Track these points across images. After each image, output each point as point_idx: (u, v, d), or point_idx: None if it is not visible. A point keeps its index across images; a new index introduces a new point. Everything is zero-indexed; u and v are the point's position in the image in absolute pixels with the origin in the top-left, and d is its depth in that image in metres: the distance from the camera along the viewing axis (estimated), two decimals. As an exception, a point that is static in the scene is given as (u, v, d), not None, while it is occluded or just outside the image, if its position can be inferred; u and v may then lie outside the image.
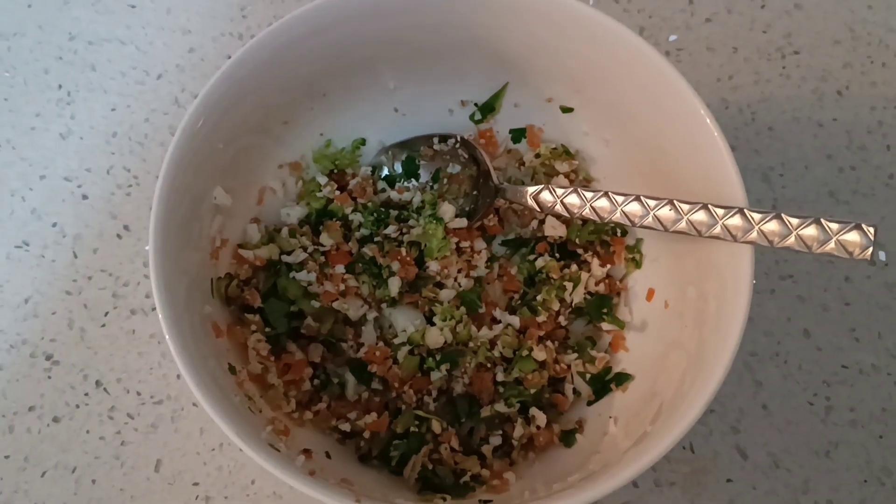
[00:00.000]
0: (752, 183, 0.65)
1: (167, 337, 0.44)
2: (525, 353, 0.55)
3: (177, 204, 0.48)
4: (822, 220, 0.43)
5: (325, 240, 0.57)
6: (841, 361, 0.60)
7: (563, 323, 0.57)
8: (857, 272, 0.62)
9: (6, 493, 0.57)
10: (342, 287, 0.56)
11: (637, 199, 0.49)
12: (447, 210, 0.58)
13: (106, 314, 0.61)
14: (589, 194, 0.52)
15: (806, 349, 0.61)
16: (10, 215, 0.64)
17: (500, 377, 0.55)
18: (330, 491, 0.42)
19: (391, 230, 0.58)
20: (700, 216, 0.47)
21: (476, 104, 0.61)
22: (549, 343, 0.56)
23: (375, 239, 0.58)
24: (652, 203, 0.49)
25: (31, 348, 0.60)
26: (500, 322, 0.56)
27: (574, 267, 0.58)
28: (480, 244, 0.59)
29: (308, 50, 0.52)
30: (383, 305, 0.57)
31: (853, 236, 0.42)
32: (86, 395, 0.59)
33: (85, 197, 0.65)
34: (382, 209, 0.59)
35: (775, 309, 0.62)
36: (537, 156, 0.60)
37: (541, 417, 0.54)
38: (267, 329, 0.54)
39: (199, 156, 0.49)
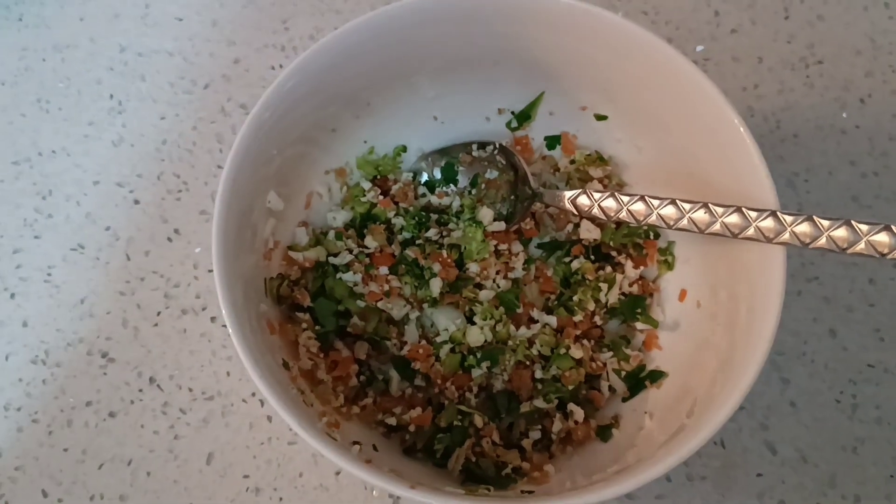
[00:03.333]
0: (778, 188, 0.65)
1: (231, 331, 0.46)
2: (562, 351, 0.57)
3: (235, 206, 0.50)
4: (853, 222, 0.45)
5: (370, 242, 0.59)
6: (866, 361, 0.62)
7: (599, 322, 0.59)
8: (880, 274, 0.64)
9: (65, 484, 0.60)
10: (386, 287, 0.58)
11: (672, 202, 0.52)
12: (486, 214, 0.60)
13: (158, 314, 0.64)
14: (625, 198, 0.54)
15: (832, 349, 0.63)
16: (66, 219, 0.67)
17: (538, 374, 0.57)
18: (387, 478, 0.44)
19: (432, 233, 0.60)
20: (734, 219, 0.49)
21: (512, 112, 0.64)
22: (585, 342, 0.58)
23: (417, 242, 0.60)
24: (687, 206, 0.51)
25: (87, 346, 0.63)
26: (537, 321, 0.59)
27: (608, 269, 0.60)
28: (517, 247, 0.61)
29: (356, 61, 0.55)
30: (425, 305, 0.59)
31: (883, 237, 0.44)
32: (140, 391, 0.62)
33: (137, 202, 0.67)
34: (423, 213, 0.61)
35: (802, 310, 0.64)
36: (572, 162, 0.63)
37: (578, 413, 0.56)
38: (316, 327, 0.56)
39: (256, 161, 0.52)
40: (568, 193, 0.57)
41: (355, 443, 0.51)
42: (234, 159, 0.50)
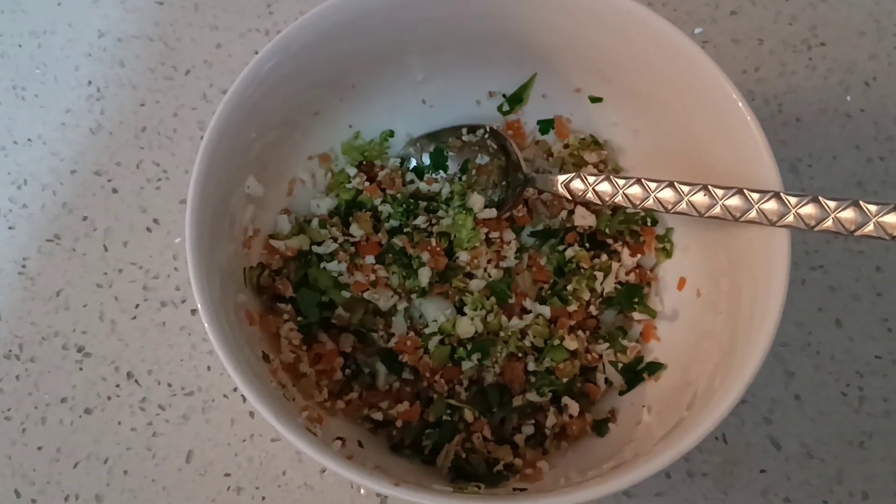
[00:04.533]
0: (781, 174, 0.64)
1: (205, 323, 0.44)
2: (556, 342, 0.55)
3: (212, 192, 0.48)
4: (861, 202, 0.43)
5: (355, 230, 0.57)
6: (874, 351, 0.60)
7: (594, 312, 0.57)
8: (888, 262, 0.62)
9: (39, 483, 0.57)
10: (372, 277, 0.56)
11: (670, 185, 0.49)
12: (476, 201, 0.58)
13: (136, 307, 0.62)
14: (621, 181, 0.52)
15: (838, 339, 0.60)
16: (42, 209, 0.64)
17: (531, 367, 0.55)
18: (369, 475, 0.42)
19: (420, 221, 0.58)
20: (735, 201, 0.46)
21: (504, 95, 0.61)
22: (580, 332, 0.56)
23: (405, 230, 0.58)
24: (686, 189, 0.49)
25: (62, 340, 0.61)
26: (530, 312, 0.56)
27: (604, 257, 0.58)
28: (509, 235, 0.59)
29: (340, 40, 0.53)
30: (413, 296, 0.57)
31: (892, 218, 0.42)
32: (117, 386, 0.60)
33: (115, 191, 0.65)
34: (411, 200, 0.59)
35: (806, 299, 0.61)
36: (566, 146, 0.60)
37: (573, 407, 0.54)
38: (299, 318, 0.54)
39: (234, 145, 0.50)
40: (561, 178, 0.55)
41: (339, 438, 0.49)
42: (210, 141, 0.48)
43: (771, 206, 0.45)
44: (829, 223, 0.44)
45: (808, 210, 0.44)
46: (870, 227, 0.43)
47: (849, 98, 0.68)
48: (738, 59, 0.69)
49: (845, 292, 0.61)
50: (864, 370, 0.59)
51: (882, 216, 0.42)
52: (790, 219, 0.45)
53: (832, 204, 0.44)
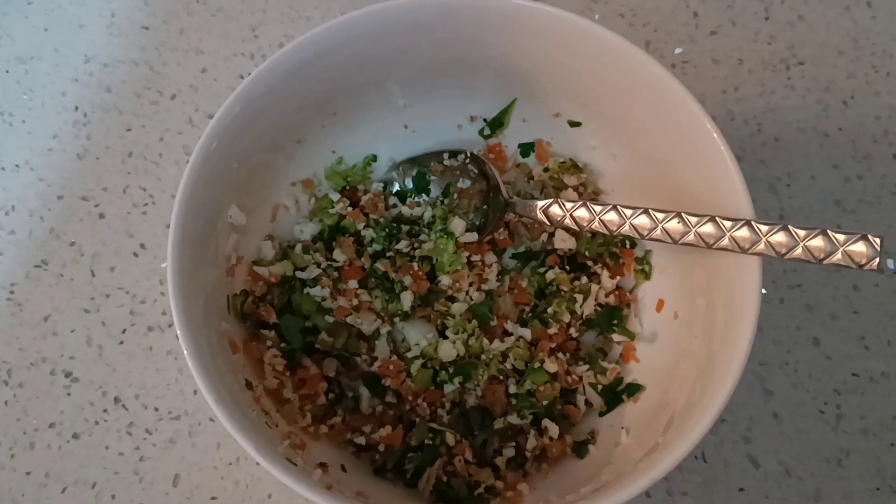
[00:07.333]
0: (759, 193, 0.66)
1: (186, 353, 0.45)
2: (537, 365, 0.56)
3: (194, 223, 0.49)
4: (829, 232, 0.44)
5: (338, 255, 0.58)
6: (851, 370, 0.61)
7: (574, 335, 0.58)
8: (865, 281, 0.63)
9: (27, 508, 0.58)
10: (355, 302, 0.57)
11: (645, 212, 0.50)
12: (458, 225, 0.59)
13: (123, 331, 0.62)
14: (598, 208, 0.52)
15: (815, 358, 0.61)
16: (29, 235, 0.65)
17: (512, 389, 0.56)
18: (348, 504, 0.43)
19: (403, 245, 0.59)
20: (708, 228, 0.47)
21: (485, 119, 0.62)
22: (560, 355, 0.57)
23: (387, 254, 0.59)
24: (660, 216, 0.49)
25: (50, 366, 0.61)
26: (511, 335, 0.57)
27: (584, 279, 0.59)
28: (491, 258, 0.60)
29: (320, 70, 0.53)
30: (396, 319, 0.57)
31: (860, 247, 0.43)
32: (104, 411, 0.60)
33: (102, 216, 0.66)
34: (394, 224, 0.60)
35: (784, 318, 0.62)
36: (546, 170, 0.61)
37: (553, 429, 0.54)
38: (282, 344, 0.55)
39: (215, 175, 0.50)
40: (540, 203, 0.55)
41: (321, 464, 0.49)
42: (192, 171, 0.49)
43: (743, 233, 0.46)
44: (798, 251, 0.44)
45: (779, 238, 0.45)
46: (838, 256, 0.43)
47: (827, 117, 0.68)
48: (718, 78, 0.70)
49: (823, 311, 0.62)
50: (841, 388, 0.60)
51: (849, 245, 0.43)
52: (761, 246, 0.45)
53: (802, 233, 0.44)
